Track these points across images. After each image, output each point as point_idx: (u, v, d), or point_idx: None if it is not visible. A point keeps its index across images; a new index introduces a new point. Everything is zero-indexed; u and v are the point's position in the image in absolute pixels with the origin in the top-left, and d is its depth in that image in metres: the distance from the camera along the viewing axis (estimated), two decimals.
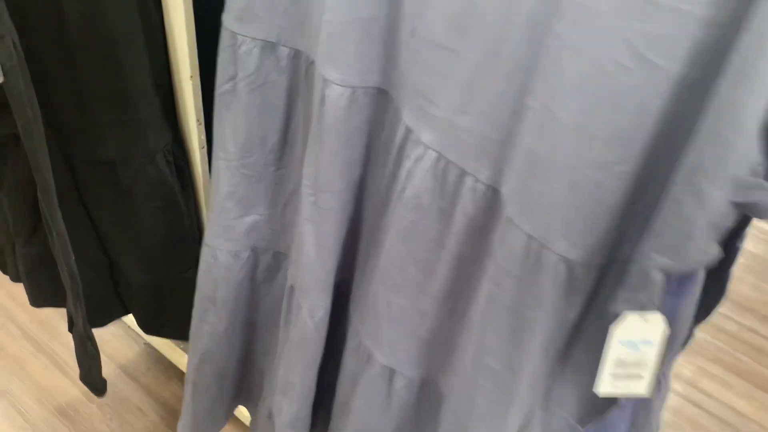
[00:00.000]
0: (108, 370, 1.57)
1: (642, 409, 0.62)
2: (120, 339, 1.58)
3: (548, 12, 0.45)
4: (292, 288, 0.77)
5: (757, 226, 1.92)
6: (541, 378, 0.60)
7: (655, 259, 0.47)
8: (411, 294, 0.66)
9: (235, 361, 0.93)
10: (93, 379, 1.07)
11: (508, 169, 0.53)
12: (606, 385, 0.54)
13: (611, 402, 0.57)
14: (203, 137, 0.96)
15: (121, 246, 1.01)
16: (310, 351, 0.77)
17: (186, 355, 1.49)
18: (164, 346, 1.51)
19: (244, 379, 0.98)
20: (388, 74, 0.60)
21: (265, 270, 0.83)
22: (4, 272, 1.20)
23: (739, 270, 0.78)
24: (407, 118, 0.59)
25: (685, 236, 0.46)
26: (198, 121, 0.93)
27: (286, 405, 0.82)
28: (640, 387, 0.54)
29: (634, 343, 0.52)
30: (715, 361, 1.64)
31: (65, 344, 1.56)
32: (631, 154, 0.46)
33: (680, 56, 0.42)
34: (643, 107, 0.44)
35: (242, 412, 1.20)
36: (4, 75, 0.69)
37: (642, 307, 0.50)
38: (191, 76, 0.88)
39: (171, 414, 1.44)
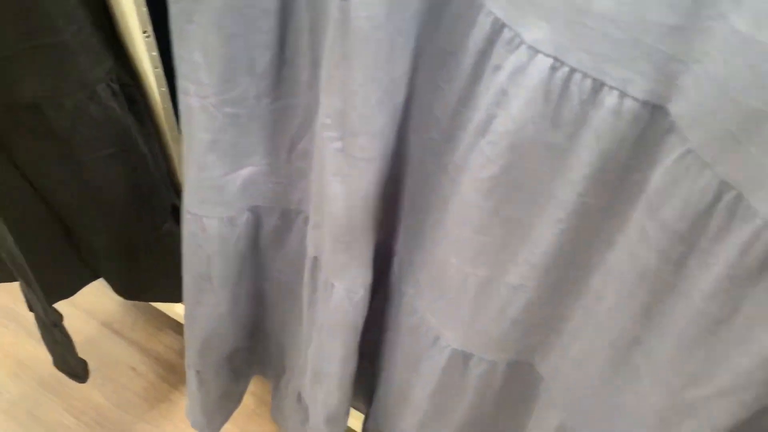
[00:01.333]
0: (90, 329, 1.38)
1: None
2: (97, 291, 1.36)
3: None
4: (316, 260, 0.57)
5: None
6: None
7: None
8: (498, 265, 0.46)
9: (244, 338, 0.74)
10: (69, 366, 0.88)
11: (690, 75, 0.32)
12: None
13: None
14: (155, 53, 0.72)
15: (71, 207, 0.79)
16: (349, 337, 0.58)
17: (175, 304, 1.30)
18: None
19: (259, 353, 0.80)
20: None
21: (272, 232, 0.62)
22: None
23: None
24: (496, 5, 0.36)
25: None
26: (145, 32, 0.68)
27: (323, 395, 0.64)
28: None
29: None
30: None
31: None
32: None
33: None
34: None
35: None
36: None
37: None
38: None
39: (169, 370, 1.27)
